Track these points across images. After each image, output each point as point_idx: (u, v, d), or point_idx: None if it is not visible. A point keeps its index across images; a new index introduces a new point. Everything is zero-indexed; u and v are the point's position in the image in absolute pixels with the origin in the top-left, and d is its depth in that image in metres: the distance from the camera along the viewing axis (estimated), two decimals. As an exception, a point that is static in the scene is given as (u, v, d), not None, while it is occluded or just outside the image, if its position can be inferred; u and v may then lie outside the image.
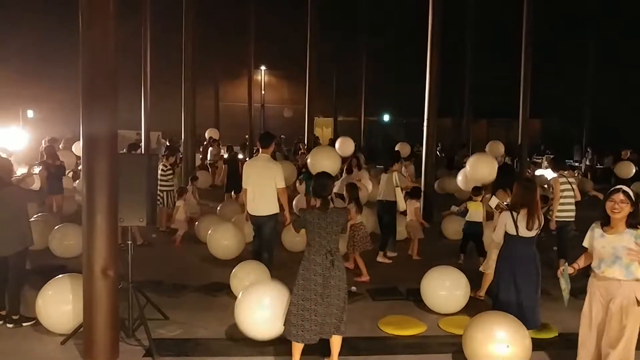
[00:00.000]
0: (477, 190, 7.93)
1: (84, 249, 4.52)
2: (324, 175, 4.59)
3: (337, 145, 12.66)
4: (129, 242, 5.04)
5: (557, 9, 22.17)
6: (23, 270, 5.38)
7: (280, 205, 6.32)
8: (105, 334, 4.55)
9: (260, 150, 6.52)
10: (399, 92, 26.80)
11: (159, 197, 9.26)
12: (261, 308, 4.74)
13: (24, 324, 5.18)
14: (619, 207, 3.73)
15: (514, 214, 4.91)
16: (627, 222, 3.77)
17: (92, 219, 4.44)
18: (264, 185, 6.21)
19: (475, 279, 6.24)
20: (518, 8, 15.19)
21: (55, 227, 8.08)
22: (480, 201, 7.73)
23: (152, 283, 6.45)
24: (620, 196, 3.75)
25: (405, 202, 8.27)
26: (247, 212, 6.38)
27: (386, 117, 31.64)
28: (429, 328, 5.44)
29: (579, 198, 7.30)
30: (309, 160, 8.97)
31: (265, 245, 6.40)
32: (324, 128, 29.34)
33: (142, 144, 19.57)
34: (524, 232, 4.86)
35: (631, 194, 3.78)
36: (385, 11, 26.10)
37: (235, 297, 6.03)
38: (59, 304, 4.98)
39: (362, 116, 26.39)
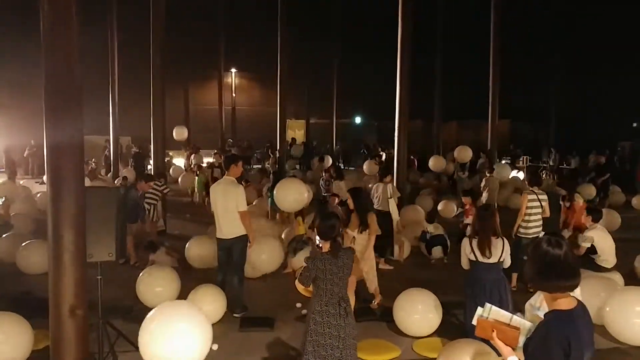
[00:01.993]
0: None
1: (51, 288, 4.39)
2: (330, 215, 4.16)
3: None
4: (99, 277, 4.92)
5: (526, 14, 22.68)
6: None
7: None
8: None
9: (226, 172, 6.46)
10: (370, 95, 26.98)
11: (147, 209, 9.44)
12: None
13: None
14: None
15: (473, 240, 5.00)
16: None
17: (59, 257, 4.32)
18: (227, 208, 6.19)
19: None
20: (487, 10, 15.48)
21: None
22: None
23: (124, 308, 6.33)
24: None
25: None
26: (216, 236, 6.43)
27: (358, 120, 31.82)
28: (403, 351, 5.49)
29: (547, 214, 7.44)
30: (275, 193, 9.00)
31: (235, 269, 6.36)
32: (296, 130, 29.31)
33: (111, 149, 19.24)
34: (483, 259, 4.96)
35: None
36: (357, 13, 26.21)
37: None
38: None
39: (334, 118, 26.47)
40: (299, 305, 6.58)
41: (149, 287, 6.51)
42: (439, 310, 5.91)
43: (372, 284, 6.59)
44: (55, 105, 4.35)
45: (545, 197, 7.38)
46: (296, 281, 4.01)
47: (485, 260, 4.95)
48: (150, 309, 6.37)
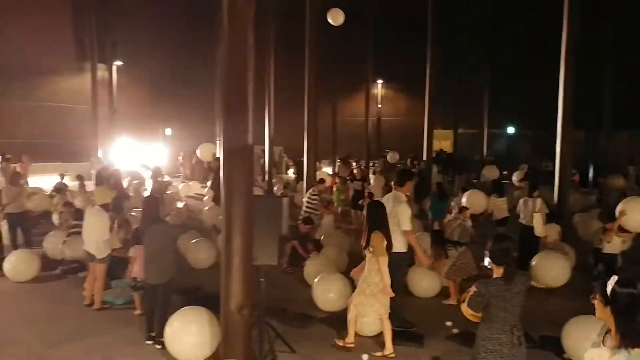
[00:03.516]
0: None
1: (222, 287, 4.84)
2: (504, 237, 3.83)
3: None
4: (261, 280, 5.31)
5: None
6: (170, 298, 5.92)
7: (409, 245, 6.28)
8: (240, 367, 4.84)
9: (394, 187, 6.51)
10: (525, 103, 25.33)
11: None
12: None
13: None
14: None
15: None
16: None
17: (230, 259, 4.74)
18: (391, 225, 6.07)
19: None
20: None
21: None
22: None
23: (277, 311, 6.72)
24: None
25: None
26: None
27: (511, 130, 30.00)
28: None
29: None
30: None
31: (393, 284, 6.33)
32: (442, 141, 28.60)
33: (267, 158, 20.66)
34: None
35: None
36: (509, 17, 24.86)
37: (357, 333, 6.15)
38: (185, 336, 5.30)
39: (484, 128, 25.27)
40: (449, 323, 6.40)
41: (324, 292, 6.92)
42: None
43: (352, 313, 5.71)
44: (230, 118, 4.79)
45: None
46: (463, 305, 3.80)
47: None
48: (303, 314, 6.79)
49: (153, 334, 5.80)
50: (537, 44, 24.03)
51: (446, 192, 11.62)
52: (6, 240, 9.65)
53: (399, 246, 6.16)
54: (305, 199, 11.65)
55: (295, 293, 7.76)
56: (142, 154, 21.88)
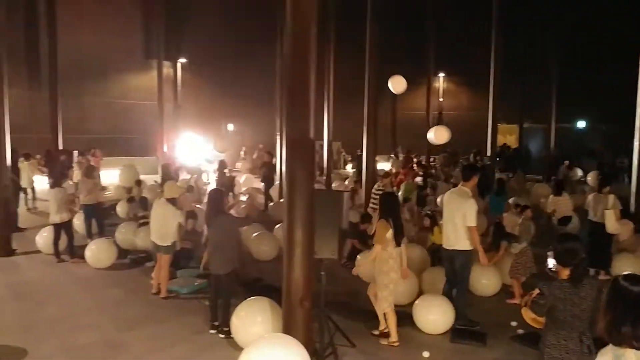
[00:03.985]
0: None
1: (284, 279, 4.90)
2: (569, 237, 3.64)
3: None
4: (322, 273, 5.33)
5: None
6: (233, 288, 6.07)
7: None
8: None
9: (461, 182, 6.37)
10: (598, 95, 23.98)
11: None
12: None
13: (232, 336, 5.80)
14: None
15: None
16: None
17: (292, 252, 4.80)
18: (454, 219, 6.04)
19: None
20: None
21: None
22: None
23: (337, 305, 6.72)
24: None
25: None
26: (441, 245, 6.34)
27: (581, 124, 28.48)
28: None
29: None
30: None
31: (458, 281, 6.22)
32: (507, 135, 27.60)
33: (325, 153, 20.75)
34: None
35: None
36: (578, 5, 23.57)
37: (419, 330, 6.07)
38: (251, 326, 5.41)
39: (552, 122, 24.12)
40: (514, 323, 6.18)
41: None
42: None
43: (380, 305, 5.74)
44: (292, 112, 4.85)
45: None
46: (523, 308, 3.59)
47: None
48: (363, 309, 6.75)
49: (216, 323, 5.97)
50: (612, 32, 22.68)
51: (505, 188, 11.40)
52: (81, 229, 10.26)
53: (467, 244, 6.01)
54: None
55: (354, 288, 7.72)
56: (205, 148, 22.56)
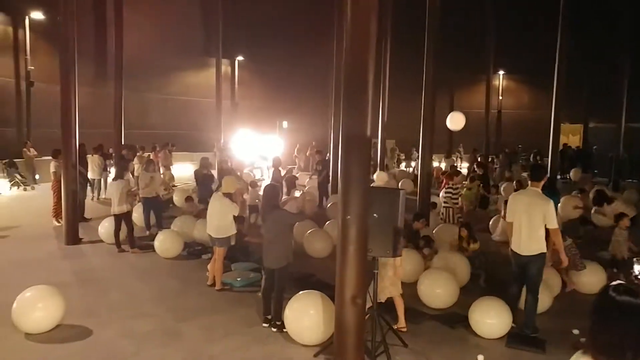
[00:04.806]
0: None
1: (337, 277, 4.89)
2: None
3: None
4: (375, 272, 5.28)
5: None
6: (287, 282, 6.13)
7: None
8: (352, 355, 4.87)
9: (530, 182, 6.13)
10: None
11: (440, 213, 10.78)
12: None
13: (284, 330, 5.87)
14: None
15: None
16: None
17: (345, 250, 4.77)
18: (532, 222, 5.76)
19: None
20: None
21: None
22: None
23: (389, 305, 6.63)
24: None
25: None
26: (510, 249, 6.08)
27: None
28: None
29: None
30: None
31: (530, 287, 5.96)
32: (569, 135, 26.42)
33: (378, 151, 20.57)
34: None
35: None
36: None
37: (473, 332, 5.93)
38: (303, 319, 5.52)
39: (622, 122, 22.80)
40: (576, 331, 5.89)
41: (430, 289, 6.85)
42: None
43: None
44: (350, 108, 4.81)
45: None
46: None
47: None
48: (413, 309, 6.66)
49: (269, 317, 6.04)
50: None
51: (557, 188, 11.03)
52: (140, 222, 10.67)
53: (544, 246, 5.80)
54: (442, 194, 11.69)
55: (405, 288, 7.62)
56: (260, 145, 22.91)
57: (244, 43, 26.94)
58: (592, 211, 11.13)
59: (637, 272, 3.27)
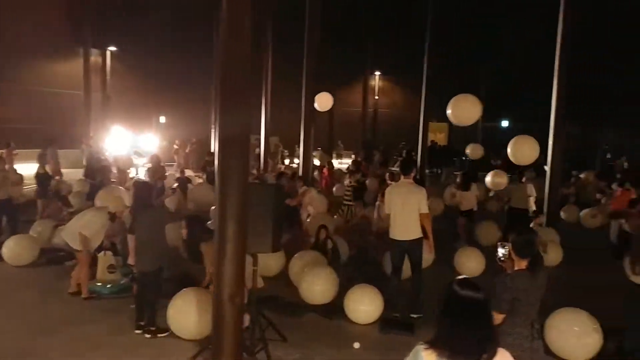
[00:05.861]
0: None
1: (214, 275, 4.74)
2: (528, 230, 3.79)
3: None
4: (254, 268, 5.22)
5: None
6: (160, 286, 5.81)
7: (424, 230, 6.32)
8: (230, 354, 4.76)
9: (402, 176, 6.54)
10: (521, 96, 25.34)
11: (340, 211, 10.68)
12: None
13: (159, 335, 5.58)
14: None
15: None
16: None
17: (223, 247, 4.64)
18: (409, 211, 6.20)
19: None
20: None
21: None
22: None
23: (269, 299, 6.62)
24: None
25: None
26: (390, 237, 6.39)
27: (505, 123, 29.99)
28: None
29: None
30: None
31: (416, 270, 6.39)
32: (437, 134, 28.53)
33: (262, 148, 20.51)
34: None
35: None
36: (507, 9, 24.77)
37: (349, 321, 6.13)
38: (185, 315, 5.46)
39: (479, 121, 25.22)
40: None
41: (311, 285, 6.75)
42: (597, 334, 5.27)
43: None
44: (227, 105, 4.67)
45: None
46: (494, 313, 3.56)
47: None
48: (294, 303, 6.70)
49: (142, 323, 5.70)
50: (531, 45, 24.02)
51: (424, 181, 11.94)
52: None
53: (420, 231, 6.23)
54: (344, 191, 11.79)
55: (285, 282, 7.68)
56: (135, 141, 21.66)
57: (119, 33, 25.16)
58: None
59: (500, 255, 3.58)
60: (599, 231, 11.82)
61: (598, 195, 15.03)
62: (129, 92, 25.85)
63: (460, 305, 2.19)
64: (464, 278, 2.29)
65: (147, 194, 5.82)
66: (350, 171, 12.91)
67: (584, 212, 13.23)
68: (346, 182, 11.92)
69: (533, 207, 9.51)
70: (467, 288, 2.20)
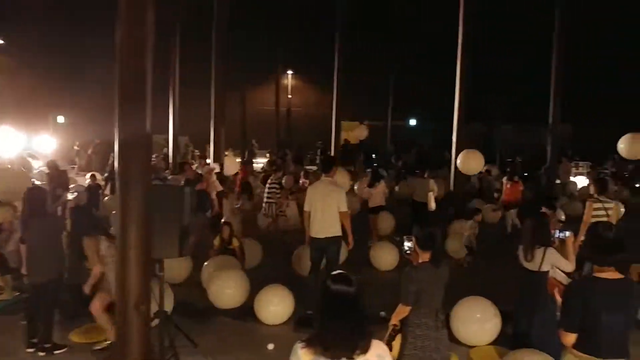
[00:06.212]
0: None
1: (117, 283, 4.51)
2: (430, 223, 3.93)
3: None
4: (161, 274, 5.02)
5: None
6: (55, 299, 5.38)
7: (344, 229, 6.38)
8: (136, 365, 4.55)
9: (323, 175, 6.55)
10: (428, 96, 26.59)
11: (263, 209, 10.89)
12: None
13: (55, 352, 5.20)
14: None
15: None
16: None
17: (126, 253, 4.42)
18: (329, 209, 6.21)
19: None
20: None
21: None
22: None
23: (177, 304, 6.39)
24: None
25: None
26: (308, 235, 6.39)
27: (413, 122, 31.32)
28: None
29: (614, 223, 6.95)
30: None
31: (332, 269, 6.33)
32: (349, 132, 29.13)
33: (170, 148, 19.80)
34: (526, 264, 4.96)
35: None
36: (415, 12, 25.86)
37: (261, 323, 6.09)
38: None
39: (389, 120, 26.15)
40: (383, 314, 5.59)
41: (220, 289, 6.61)
42: (497, 318, 5.67)
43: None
44: (126, 105, 4.44)
45: (611, 205, 6.77)
46: (400, 306, 3.61)
47: (527, 266, 4.95)
48: (206, 307, 6.55)
49: (35, 340, 5.25)
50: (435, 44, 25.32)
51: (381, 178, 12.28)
52: None
53: (340, 229, 6.30)
54: (266, 189, 11.60)
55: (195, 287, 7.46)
56: (28, 142, 20.02)
57: (6, 25, 23.11)
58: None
59: (406, 248, 3.74)
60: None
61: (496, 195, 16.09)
62: (20, 89, 23.79)
63: (332, 300, 2.21)
64: (339, 273, 2.31)
65: (40, 201, 5.38)
66: (274, 170, 13.17)
67: (484, 207, 14.11)
68: (269, 180, 11.79)
69: (433, 202, 10.06)
70: (339, 283, 2.22)
